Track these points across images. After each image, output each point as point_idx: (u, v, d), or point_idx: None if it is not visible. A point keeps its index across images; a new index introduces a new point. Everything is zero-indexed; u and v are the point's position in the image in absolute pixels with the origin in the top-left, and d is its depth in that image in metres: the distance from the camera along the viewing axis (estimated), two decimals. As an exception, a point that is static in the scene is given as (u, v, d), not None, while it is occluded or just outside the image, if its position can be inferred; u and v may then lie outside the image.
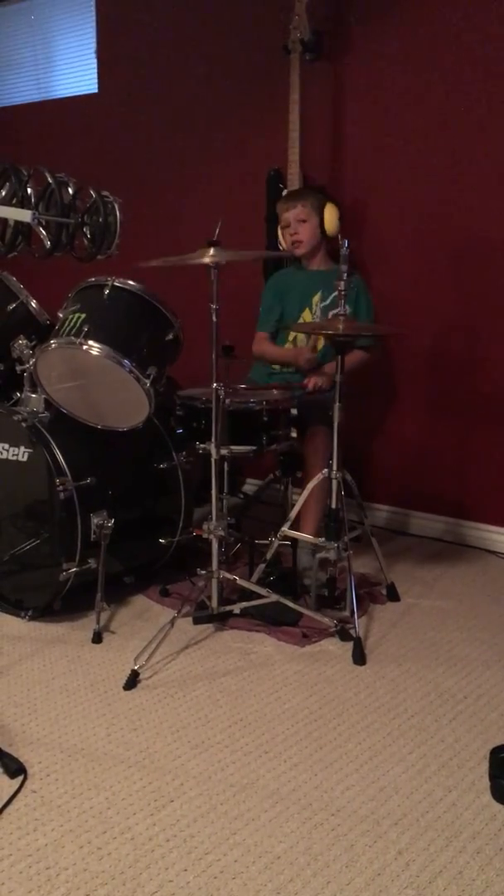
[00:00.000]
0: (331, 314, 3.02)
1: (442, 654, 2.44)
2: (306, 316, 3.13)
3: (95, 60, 4.31)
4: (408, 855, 1.60)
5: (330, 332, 2.56)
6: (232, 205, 3.69)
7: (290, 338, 3.17)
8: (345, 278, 2.46)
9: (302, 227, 3.09)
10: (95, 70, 4.32)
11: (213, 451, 2.45)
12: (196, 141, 3.95)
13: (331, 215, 3.11)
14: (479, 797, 1.78)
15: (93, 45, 4.30)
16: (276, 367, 3.17)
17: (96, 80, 4.33)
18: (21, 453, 2.57)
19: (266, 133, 3.64)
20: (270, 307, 3.21)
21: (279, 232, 3.36)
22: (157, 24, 4.00)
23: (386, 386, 3.56)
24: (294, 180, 3.44)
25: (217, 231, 2.33)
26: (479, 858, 1.59)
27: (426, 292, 3.38)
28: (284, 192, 3.43)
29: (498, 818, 1.71)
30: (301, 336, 3.13)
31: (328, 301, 3.09)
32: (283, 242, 3.28)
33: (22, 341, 2.68)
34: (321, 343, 3.09)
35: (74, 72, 4.47)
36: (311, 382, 2.92)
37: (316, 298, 3.12)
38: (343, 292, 2.47)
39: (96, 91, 4.34)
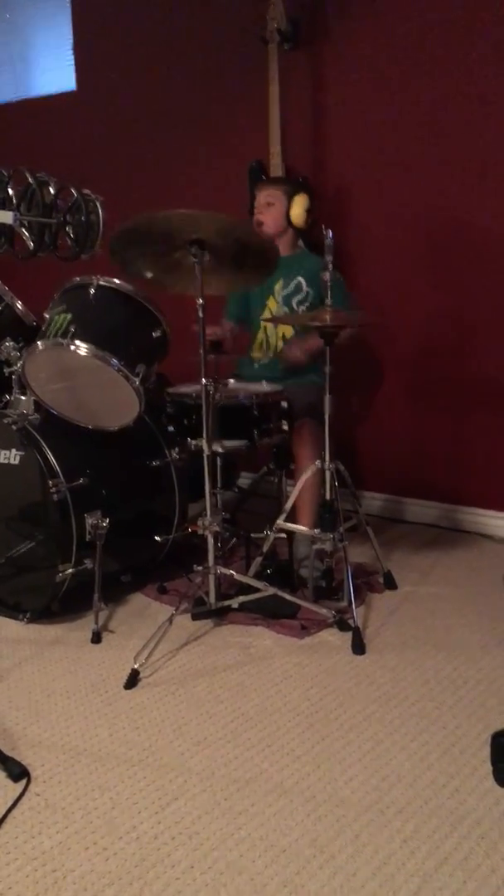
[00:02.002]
0: (294, 301, 3.06)
1: (441, 641, 2.45)
2: (271, 304, 3.13)
3: (73, 58, 4.28)
4: (413, 843, 1.61)
5: (317, 324, 2.56)
6: (215, 199, 3.68)
7: (259, 335, 3.16)
8: (329, 269, 2.45)
9: (267, 209, 3.08)
10: (73, 67, 4.29)
11: (205, 447, 2.45)
12: (177, 135, 3.93)
13: (299, 205, 3.08)
14: (482, 782, 1.79)
15: (69, 43, 4.27)
16: (257, 356, 3.17)
17: (74, 78, 4.30)
18: (13, 456, 2.56)
19: (248, 125, 3.62)
20: (235, 294, 3.21)
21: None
22: (134, 18, 3.97)
23: (376, 375, 3.56)
24: (277, 172, 3.42)
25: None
26: (483, 843, 1.60)
27: (412, 281, 3.38)
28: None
29: (501, 803, 1.72)
30: (270, 328, 3.13)
31: (290, 288, 3.09)
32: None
33: (9, 343, 2.68)
34: (290, 332, 3.09)
35: (52, 70, 4.44)
36: (289, 355, 2.97)
37: (278, 286, 3.10)
38: (329, 283, 2.46)
39: (75, 88, 4.31)
